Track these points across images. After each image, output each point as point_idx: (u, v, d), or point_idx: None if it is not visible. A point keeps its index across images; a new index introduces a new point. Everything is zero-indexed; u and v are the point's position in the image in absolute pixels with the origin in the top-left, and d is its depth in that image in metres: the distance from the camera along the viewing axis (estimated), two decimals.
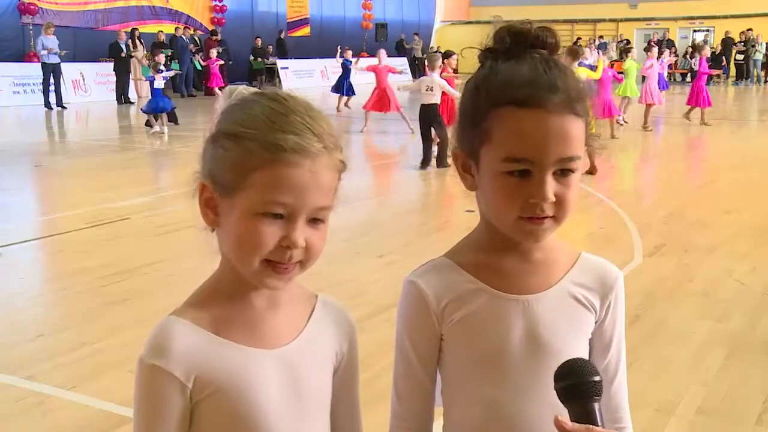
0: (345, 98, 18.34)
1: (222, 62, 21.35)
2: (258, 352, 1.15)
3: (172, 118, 15.04)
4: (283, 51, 27.87)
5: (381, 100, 14.55)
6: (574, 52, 10.84)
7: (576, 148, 1.18)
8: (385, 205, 8.23)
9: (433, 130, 10.17)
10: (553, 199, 1.17)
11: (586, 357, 1.31)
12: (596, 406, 1.05)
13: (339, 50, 19.44)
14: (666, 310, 4.72)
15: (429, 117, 10.19)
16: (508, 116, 1.17)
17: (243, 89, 1.17)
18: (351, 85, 18.57)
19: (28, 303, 5.04)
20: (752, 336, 4.39)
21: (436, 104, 10.27)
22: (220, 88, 19.65)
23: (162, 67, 14.48)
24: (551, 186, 1.16)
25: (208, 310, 1.15)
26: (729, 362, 4.00)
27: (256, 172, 1.07)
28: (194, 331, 1.12)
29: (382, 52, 15.94)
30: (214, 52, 20.25)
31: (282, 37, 28.29)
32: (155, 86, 13.97)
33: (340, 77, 18.76)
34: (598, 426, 1.04)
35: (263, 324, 1.17)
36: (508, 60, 1.20)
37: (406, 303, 1.31)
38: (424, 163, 10.20)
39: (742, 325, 4.54)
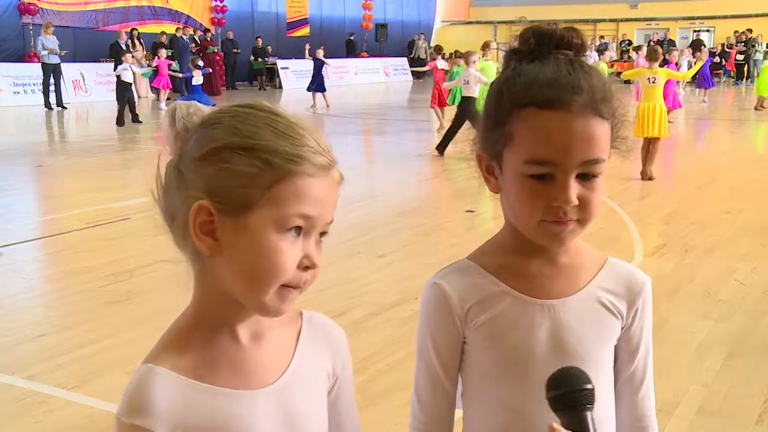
0: (320, 95, 18.73)
1: (172, 63, 21.33)
2: (247, 394, 1.06)
3: (121, 122, 15.14)
4: (353, 51, 28.04)
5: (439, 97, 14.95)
6: (654, 52, 10.10)
7: (600, 151, 1.15)
8: (385, 205, 8.23)
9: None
10: (576, 203, 1.14)
11: (611, 364, 1.30)
12: (589, 414, 1.03)
13: (307, 48, 19.98)
14: (666, 310, 4.72)
15: (464, 108, 11.10)
16: (531, 118, 1.14)
17: (201, 105, 1.09)
18: (323, 82, 19.17)
19: (28, 303, 5.03)
20: (752, 336, 4.39)
21: (473, 97, 11.11)
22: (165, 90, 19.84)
23: (200, 63, 14.44)
24: (574, 189, 1.14)
25: (189, 353, 1.05)
26: (729, 362, 4.00)
27: (277, 185, 1.00)
28: (175, 381, 1.03)
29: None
30: (163, 53, 20.07)
31: (352, 38, 28.54)
32: (194, 83, 13.85)
33: (314, 76, 19.34)
34: None
35: (249, 361, 1.08)
36: (532, 61, 1.18)
37: (428, 305, 1.28)
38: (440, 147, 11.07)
39: (743, 325, 4.54)
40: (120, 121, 15.31)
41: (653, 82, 9.71)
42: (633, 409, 1.32)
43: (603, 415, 1.28)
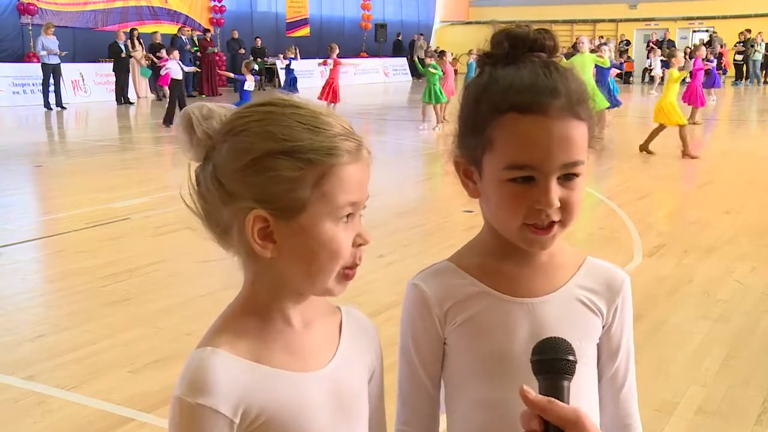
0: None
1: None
2: (304, 376, 1.10)
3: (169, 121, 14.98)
4: (400, 51, 28.16)
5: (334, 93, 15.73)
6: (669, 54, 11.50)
7: (579, 153, 1.16)
8: (384, 205, 8.22)
9: None
10: (558, 205, 1.15)
11: (594, 362, 1.30)
12: (566, 384, 1.03)
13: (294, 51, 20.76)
14: (666, 310, 4.72)
15: None
16: (510, 123, 1.15)
17: (212, 106, 1.10)
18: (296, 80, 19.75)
19: (28, 303, 5.04)
20: (752, 336, 4.39)
21: None
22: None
23: (255, 67, 14.03)
24: (556, 192, 1.15)
25: (244, 337, 1.08)
26: (729, 362, 4.00)
27: (322, 180, 1.03)
28: (235, 362, 1.05)
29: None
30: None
31: (399, 38, 28.55)
32: (245, 87, 13.32)
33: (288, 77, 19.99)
34: (563, 402, 1.02)
35: (302, 345, 1.12)
36: (507, 65, 1.18)
37: (409, 306, 1.30)
38: None
39: (742, 325, 4.54)
40: (168, 120, 14.69)
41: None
42: (616, 408, 1.33)
43: (588, 414, 1.28)
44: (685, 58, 21.67)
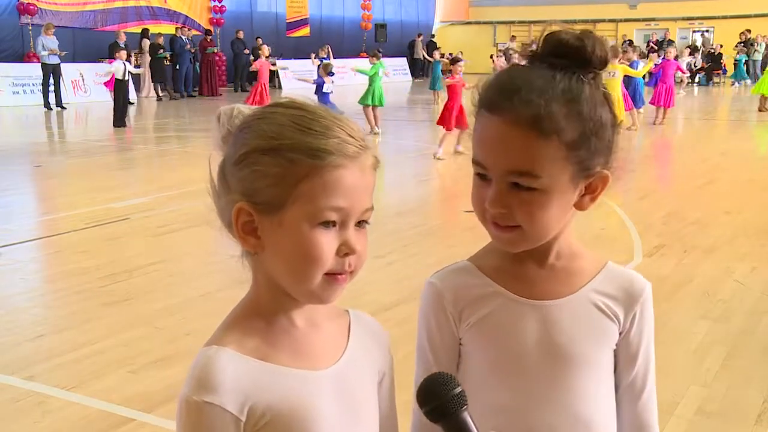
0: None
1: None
2: (312, 375, 1.10)
3: (120, 122, 14.80)
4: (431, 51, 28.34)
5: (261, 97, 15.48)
6: (614, 49, 11.57)
7: (529, 164, 1.13)
8: (384, 205, 8.22)
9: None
10: (503, 210, 1.15)
11: (610, 368, 1.28)
12: (465, 414, 1.03)
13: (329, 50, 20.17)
14: (666, 310, 4.72)
15: None
16: (478, 119, 1.18)
17: (243, 107, 1.13)
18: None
19: (28, 303, 5.04)
20: (752, 336, 4.39)
21: None
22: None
23: (333, 69, 13.61)
24: (503, 195, 1.15)
25: (251, 336, 1.09)
26: (729, 362, 4.00)
27: (303, 181, 1.03)
28: (241, 360, 1.05)
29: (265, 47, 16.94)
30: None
31: (434, 39, 28.65)
32: (324, 90, 12.72)
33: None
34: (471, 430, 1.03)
35: (309, 344, 1.12)
36: (531, 64, 1.19)
37: (425, 304, 1.31)
38: None
39: (742, 325, 4.54)
40: (117, 122, 14.89)
41: (613, 76, 11.69)
42: (634, 418, 1.31)
43: (602, 421, 1.27)
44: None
